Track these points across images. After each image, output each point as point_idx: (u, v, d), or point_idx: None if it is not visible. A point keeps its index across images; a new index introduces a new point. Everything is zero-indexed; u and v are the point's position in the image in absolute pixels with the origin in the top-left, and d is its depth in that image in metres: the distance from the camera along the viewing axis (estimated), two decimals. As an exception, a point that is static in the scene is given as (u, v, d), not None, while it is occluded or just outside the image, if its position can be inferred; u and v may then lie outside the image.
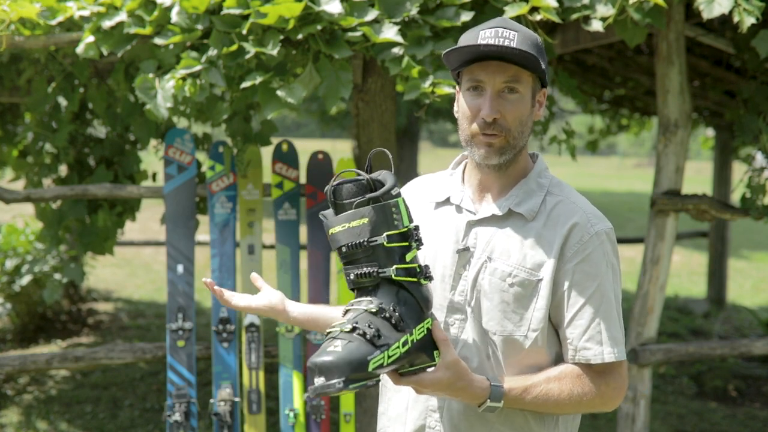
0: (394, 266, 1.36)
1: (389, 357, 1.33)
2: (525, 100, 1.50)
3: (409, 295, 1.38)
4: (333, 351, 1.30)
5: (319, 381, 1.30)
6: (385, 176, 1.39)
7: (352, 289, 1.41)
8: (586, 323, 1.47)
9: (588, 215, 1.51)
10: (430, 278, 1.41)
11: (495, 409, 1.44)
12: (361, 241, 1.34)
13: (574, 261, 1.48)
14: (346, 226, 1.35)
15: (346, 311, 1.39)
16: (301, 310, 1.68)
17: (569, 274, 1.48)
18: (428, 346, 1.39)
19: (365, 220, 1.34)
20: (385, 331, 1.33)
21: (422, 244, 1.41)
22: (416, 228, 1.39)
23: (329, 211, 1.40)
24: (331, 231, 1.37)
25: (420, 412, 1.57)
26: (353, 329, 1.32)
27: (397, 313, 1.35)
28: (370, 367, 1.30)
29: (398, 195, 1.37)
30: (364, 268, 1.36)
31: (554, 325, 1.52)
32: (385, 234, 1.34)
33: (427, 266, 1.41)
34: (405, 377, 1.39)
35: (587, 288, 1.48)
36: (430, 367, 1.40)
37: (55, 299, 4.87)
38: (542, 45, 1.53)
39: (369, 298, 1.37)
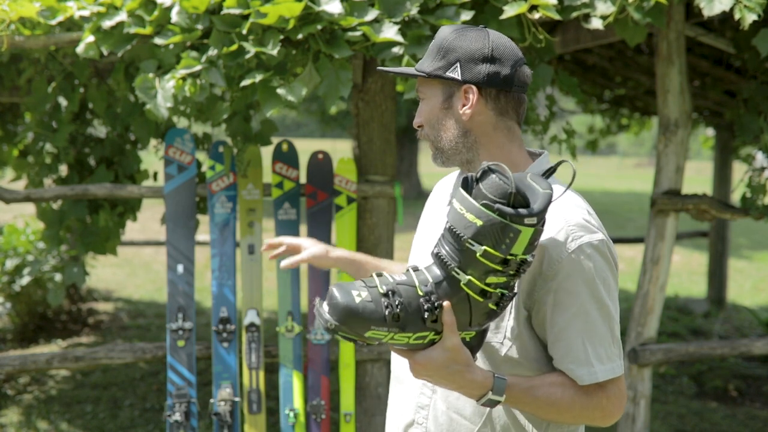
0: (470, 278, 1.28)
1: (392, 339, 1.31)
2: (430, 102, 1.54)
3: (467, 308, 1.32)
4: (353, 296, 1.29)
5: (324, 306, 1.33)
6: (538, 200, 1.26)
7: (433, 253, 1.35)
8: (569, 344, 1.40)
9: (571, 227, 1.40)
10: (497, 311, 1.33)
11: (496, 403, 1.37)
12: (461, 235, 1.26)
13: (555, 279, 1.40)
14: (462, 211, 1.27)
15: (407, 270, 1.35)
16: (341, 253, 1.91)
17: (551, 292, 1.40)
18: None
19: (478, 222, 1.24)
20: (408, 317, 1.29)
21: (518, 276, 1.30)
22: (523, 263, 1.28)
23: (462, 192, 1.30)
24: (453, 199, 1.31)
25: (411, 407, 1.57)
26: (386, 294, 1.29)
27: (436, 310, 1.30)
28: (367, 335, 1.29)
29: (532, 225, 1.24)
30: (446, 255, 1.30)
31: (542, 342, 1.46)
32: (484, 247, 1.25)
33: (506, 296, 1.32)
34: (402, 350, 1.37)
35: (569, 307, 1.40)
36: (428, 345, 1.34)
37: (59, 302, 4.90)
38: (450, 42, 1.47)
39: (431, 278, 1.32)
